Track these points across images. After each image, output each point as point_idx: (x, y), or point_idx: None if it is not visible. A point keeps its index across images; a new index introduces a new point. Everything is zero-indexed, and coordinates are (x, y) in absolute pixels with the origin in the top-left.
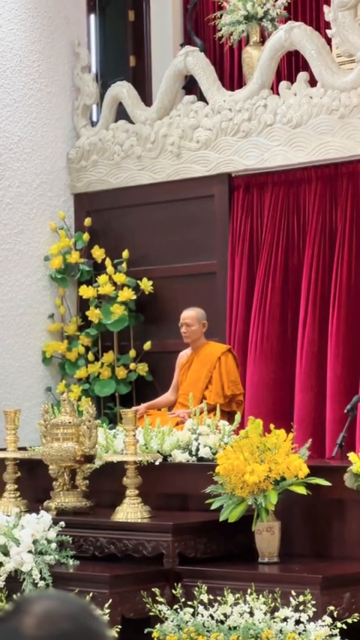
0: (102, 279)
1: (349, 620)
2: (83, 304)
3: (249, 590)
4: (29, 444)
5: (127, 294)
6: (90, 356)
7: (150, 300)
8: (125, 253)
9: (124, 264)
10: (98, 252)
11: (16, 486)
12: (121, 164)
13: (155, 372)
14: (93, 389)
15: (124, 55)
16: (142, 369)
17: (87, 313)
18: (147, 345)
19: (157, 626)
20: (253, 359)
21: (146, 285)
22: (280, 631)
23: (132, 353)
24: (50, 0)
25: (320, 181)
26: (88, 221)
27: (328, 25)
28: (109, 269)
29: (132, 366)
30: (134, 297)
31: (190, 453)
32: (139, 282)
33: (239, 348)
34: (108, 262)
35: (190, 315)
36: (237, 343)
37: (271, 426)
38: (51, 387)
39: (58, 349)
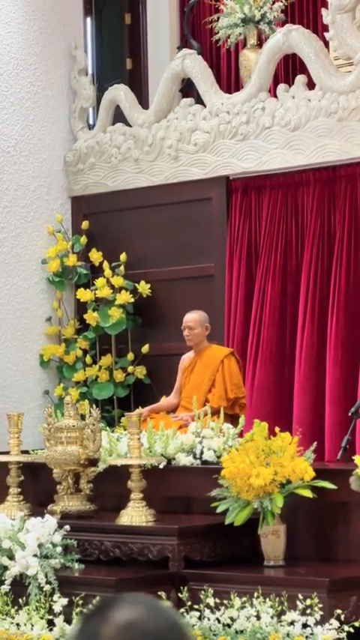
0: (100, 282)
1: (357, 624)
2: (81, 307)
3: (255, 594)
4: (27, 447)
5: (124, 297)
6: (88, 359)
7: (148, 303)
8: (123, 256)
9: (121, 267)
10: (96, 255)
11: (19, 490)
12: (118, 167)
13: (153, 375)
14: (91, 392)
15: (120, 58)
16: (140, 372)
17: (85, 316)
18: (145, 348)
19: None
20: (252, 362)
21: (144, 288)
22: (288, 634)
23: (130, 356)
24: (47, 3)
25: (319, 184)
26: (85, 224)
27: (325, 28)
28: (107, 272)
29: (130, 369)
30: (132, 300)
31: (194, 456)
32: (136, 285)
33: (238, 352)
34: (106, 265)
35: (193, 318)
36: (235, 346)
37: (277, 429)
38: (49, 390)
39: (56, 352)
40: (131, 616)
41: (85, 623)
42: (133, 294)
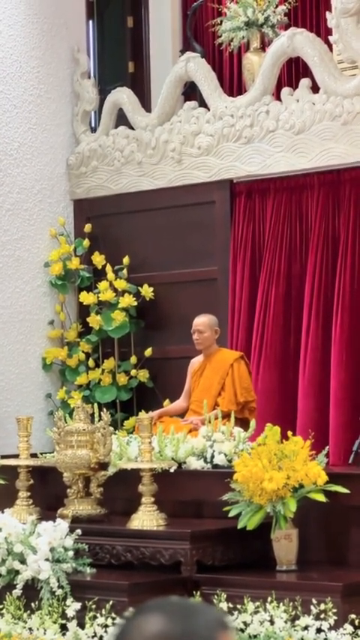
0: (102, 285)
1: None
2: (83, 310)
3: (269, 599)
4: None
5: (127, 301)
6: (90, 362)
7: (151, 306)
8: (126, 259)
9: (124, 271)
10: (98, 259)
11: (28, 494)
12: (121, 170)
13: (156, 378)
14: (93, 395)
15: (122, 61)
16: (143, 375)
17: (87, 320)
18: (148, 352)
19: None
20: (256, 366)
21: (147, 291)
22: (302, 639)
23: (133, 359)
24: (50, 6)
25: (323, 188)
26: (88, 227)
27: (328, 32)
28: (110, 275)
29: (133, 372)
30: (135, 303)
31: (205, 460)
32: (139, 288)
33: None
34: (108, 268)
35: (203, 322)
36: (239, 350)
37: (289, 433)
38: (51, 393)
39: (59, 356)
40: (151, 630)
41: None
42: (136, 297)
